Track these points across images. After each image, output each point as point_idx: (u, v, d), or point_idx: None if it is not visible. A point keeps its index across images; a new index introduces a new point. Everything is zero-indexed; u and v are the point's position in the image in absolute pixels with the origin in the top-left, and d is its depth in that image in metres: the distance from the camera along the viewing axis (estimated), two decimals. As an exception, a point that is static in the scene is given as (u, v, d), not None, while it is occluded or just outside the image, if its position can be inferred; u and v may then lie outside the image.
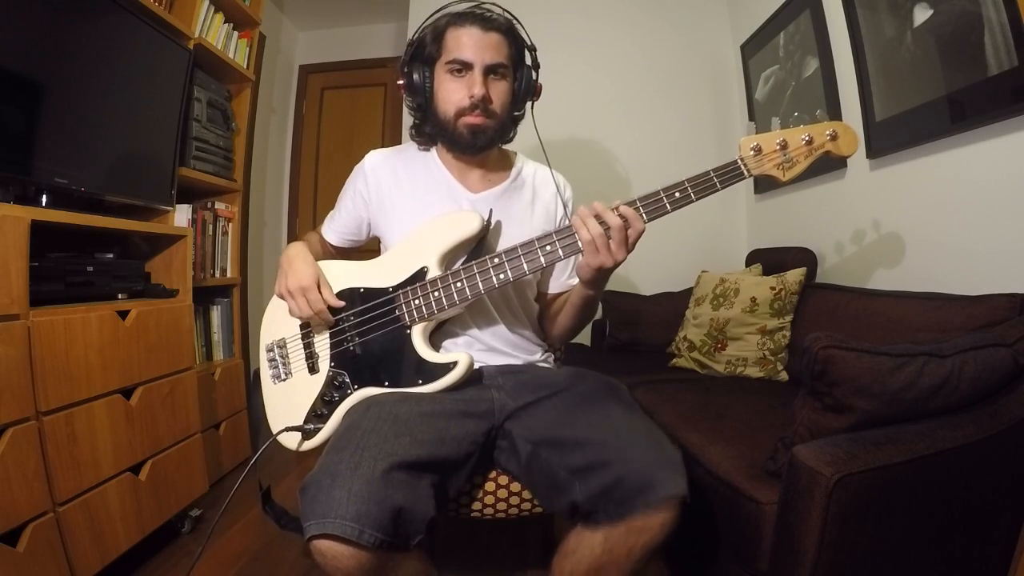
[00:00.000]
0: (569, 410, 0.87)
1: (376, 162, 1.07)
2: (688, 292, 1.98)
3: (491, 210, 0.99)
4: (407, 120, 1.09)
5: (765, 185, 2.16)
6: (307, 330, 0.99)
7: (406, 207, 1.03)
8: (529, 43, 1.03)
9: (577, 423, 0.84)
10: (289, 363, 0.99)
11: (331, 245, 1.14)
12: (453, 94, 0.95)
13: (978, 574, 0.89)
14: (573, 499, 0.78)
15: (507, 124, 1.03)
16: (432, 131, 1.03)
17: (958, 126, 1.23)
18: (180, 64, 1.59)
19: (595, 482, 0.76)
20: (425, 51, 0.99)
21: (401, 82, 1.02)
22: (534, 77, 1.03)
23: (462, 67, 0.95)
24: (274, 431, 0.95)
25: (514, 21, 1.00)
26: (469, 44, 0.94)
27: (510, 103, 1.00)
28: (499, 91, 0.98)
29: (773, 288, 1.63)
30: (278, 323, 1.01)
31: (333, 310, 0.95)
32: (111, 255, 1.33)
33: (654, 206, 0.83)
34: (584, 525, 0.79)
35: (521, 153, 1.14)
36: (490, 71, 0.95)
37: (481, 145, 0.98)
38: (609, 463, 0.76)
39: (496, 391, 0.94)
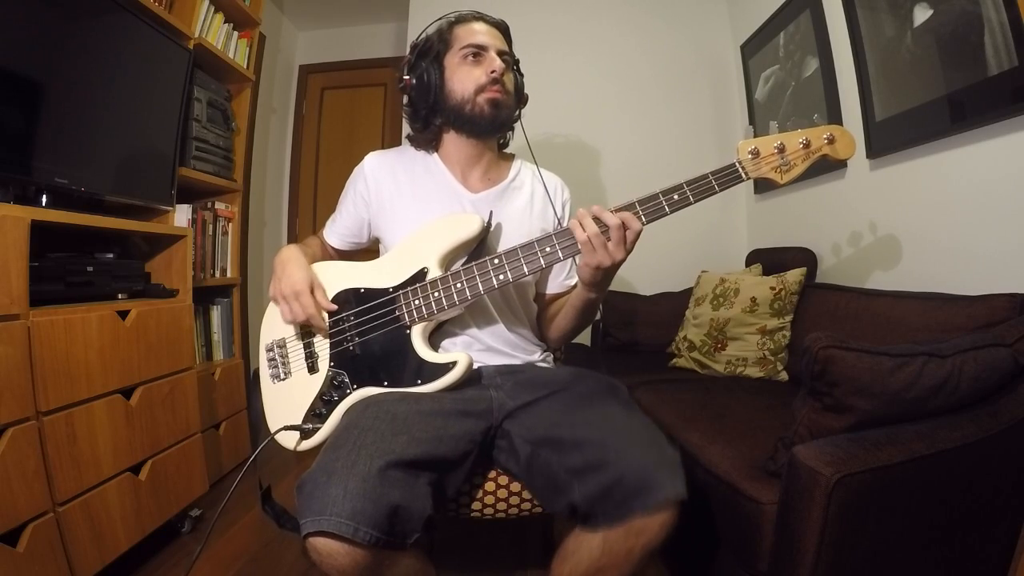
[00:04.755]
0: (568, 410, 0.87)
1: (375, 163, 1.07)
2: (688, 292, 1.98)
3: (491, 212, 0.99)
4: (406, 123, 1.10)
5: (765, 185, 2.16)
6: (306, 330, 0.99)
7: (406, 208, 1.03)
8: (515, 55, 1.08)
9: (576, 423, 0.84)
10: (288, 363, 0.99)
11: (333, 248, 1.14)
12: (470, 75, 1.00)
13: (978, 574, 0.89)
14: (571, 500, 0.78)
15: (515, 111, 1.06)
16: (444, 120, 1.03)
17: (958, 126, 1.23)
18: (180, 64, 1.59)
19: (593, 483, 0.76)
20: (432, 49, 1.02)
21: (409, 80, 1.03)
22: (522, 84, 1.08)
23: (478, 51, 0.99)
24: (273, 430, 0.95)
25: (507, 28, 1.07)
26: (482, 31, 1.01)
27: (515, 92, 1.05)
28: (508, 76, 1.03)
29: (773, 288, 1.63)
30: (278, 323, 1.01)
31: (329, 313, 0.95)
32: (111, 255, 1.33)
33: (653, 208, 0.84)
34: (583, 527, 0.78)
35: (520, 155, 1.15)
36: (501, 55, 1.01)
37: (501, 121, 1.02)
38: (607, 464, 0.76)
39: (495, 391, 0.94)
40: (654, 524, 0.73)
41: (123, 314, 1.26)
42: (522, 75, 1.08)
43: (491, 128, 1.02)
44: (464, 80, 0.99)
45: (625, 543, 0.74)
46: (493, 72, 0.98)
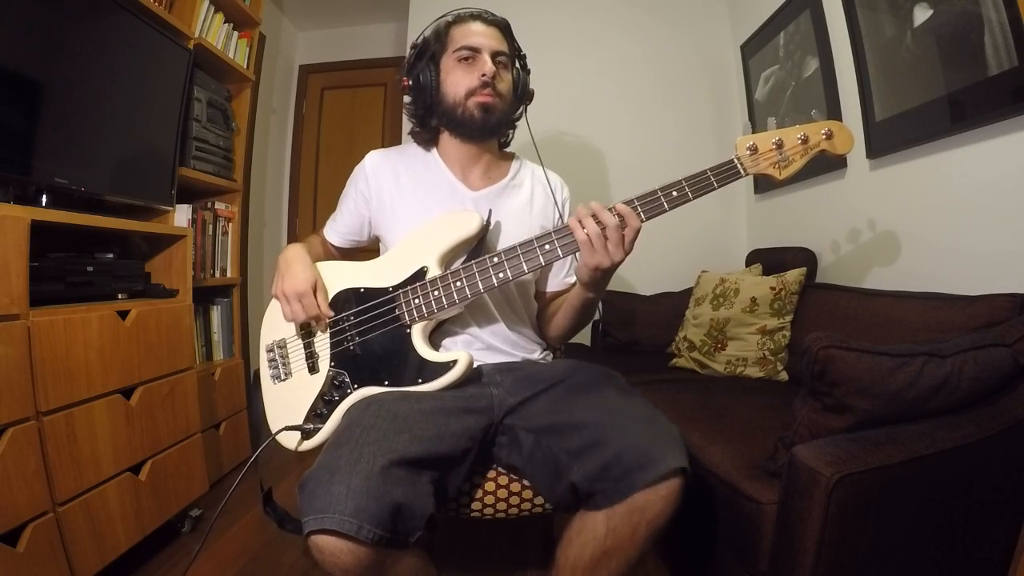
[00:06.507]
0: (567, 398, 0.88)
1: (377, 162, 1.07)
2: (688, 292, 1.98)
3: (490, 210, 0.99)
4: (407, 120, 1.11)
5: (765, 185, 2.16)
6: (307, 330, 0.99)
7: (407, 206, 1.03)
8: (520, 50, 1.07)
9: (575, 408, 0.85)
10: (289, 363, 0.99)
11: (333, 246, 1.14)
12: (463, 78, 0.99)
13: (978, 574, 0.89)
14: (572, 480, 0.79)
15: (510, 113, 1.05)
16: (439, 121, 1.04)
17: (958, 126, 1.23)
18: (180, 64, 1.59)
19: (592, 461, 0.77)
20: (429, 50, 1.02)
21: (407, 83, 1.03)
22: (527, 81, 1.07)
23: (471, 53, 0.99)
24: (274, 431, 0.95)
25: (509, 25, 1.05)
26: (477, 32, 1.00)
27: (512, 94, 1.04)
28: (504, 77, 1.02)
29: (773, 288, 1.62)
30: (278, 323, 1.01)
31: (327, 317, 0.96)
32: (111, 255, 1.33)
33: (651, 204, 0.84)
34: (586, 507, 0.79)
35: (519, 154, 1.15)
36: (496, 56, 1.00)
37: (492, 125, 1.01)
38: (606, 441, 0.77)
39: (495, 388, 0.94)
40: (657, 498, 0.73)
41: (123, 314, 1.26)
42: (528, 71, 1.07)
43: (481, 132, 1.01)
44: (456, 83, 0.99)
45: (630, 521, 0.74)
46: (483, 76, 0.97)
